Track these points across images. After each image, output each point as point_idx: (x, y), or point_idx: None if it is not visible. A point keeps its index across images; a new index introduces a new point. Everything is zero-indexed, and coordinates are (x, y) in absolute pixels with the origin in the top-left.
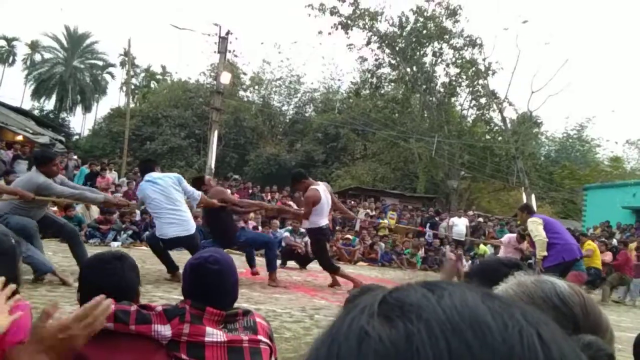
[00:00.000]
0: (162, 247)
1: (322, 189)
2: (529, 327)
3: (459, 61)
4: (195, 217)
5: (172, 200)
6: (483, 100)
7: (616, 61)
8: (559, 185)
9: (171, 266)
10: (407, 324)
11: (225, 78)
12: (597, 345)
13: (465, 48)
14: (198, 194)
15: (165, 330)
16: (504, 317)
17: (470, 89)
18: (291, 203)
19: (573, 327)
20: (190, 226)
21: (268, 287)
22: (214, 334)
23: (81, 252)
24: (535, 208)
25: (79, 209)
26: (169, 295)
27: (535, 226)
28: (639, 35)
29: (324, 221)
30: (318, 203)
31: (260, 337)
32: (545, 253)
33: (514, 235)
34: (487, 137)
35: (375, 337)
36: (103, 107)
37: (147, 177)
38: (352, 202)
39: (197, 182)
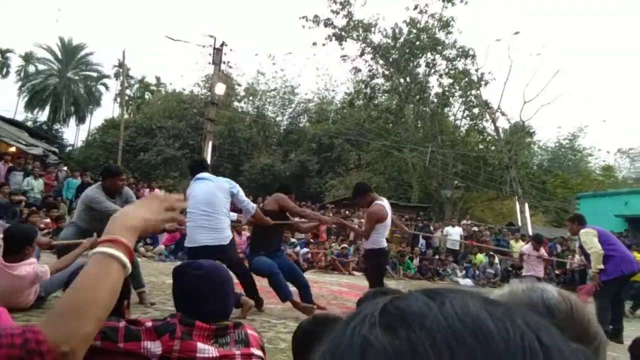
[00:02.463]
0: None
1: (386, 204)
2: (530, 332)
3: (452, 72)
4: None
5: (212, 203)
6: (476, 111)
7: (607, 71)
8: (551, 194)
9: None
10: (409, 333)
11: (220, 89)
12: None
13: (458, 59)
14: (253, 206)
15: (155, 347)
16: (505, 322)
17: (463, 99)
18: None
19: None
20: (224, 235)
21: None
22: (206, 350)
23: (135, 272)
24: (528, 217)
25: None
26: (163, 306)
27: (590, 237)
28: (629, 46)
29: (385, 241)
30: (383, 221)
31: (252, 349)
32: (602, 266)
33: (529, 244)
34: (481, 146)
35: (378, 347)
36: (97, 119)
37: (198, 175)
38: (347, 212)
39: (284, 190)
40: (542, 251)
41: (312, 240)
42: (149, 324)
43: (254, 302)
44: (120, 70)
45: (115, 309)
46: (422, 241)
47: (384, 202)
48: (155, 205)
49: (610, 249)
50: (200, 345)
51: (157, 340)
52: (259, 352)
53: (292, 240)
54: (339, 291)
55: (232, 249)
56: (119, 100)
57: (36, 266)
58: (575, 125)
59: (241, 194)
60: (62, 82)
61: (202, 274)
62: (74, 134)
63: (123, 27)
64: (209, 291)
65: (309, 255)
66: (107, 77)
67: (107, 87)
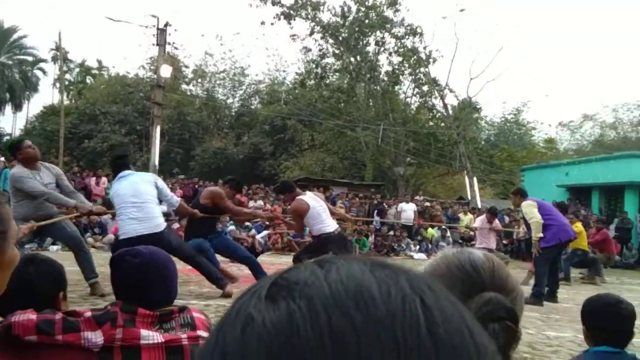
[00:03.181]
0: None
1: (308, 196)
2: (413, 294)
3: (401, 50)
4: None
5: (138, 194)
6: (425, 88)
7: (548, 47)
8: (498, 167)
9: None
10: (289, 303)
11: (166, 71)
12: (496, 300)
13: (407, 37)
14: (177, 200)
15: (96, 337)
16: (389, 285)
17: (413, 77)
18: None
19: (481, 288)
20: (155, 223)
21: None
22: (150, 336)
23: (87, 262)
24: (477, 190)
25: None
26: (113, 298)
27: (530, 209)
28: (568, 22)
29: (329, 227)
30: (305, 213)
31: (199, 332)
32: (541, 234)
33: (484, 216)
34: (431, 123)
35: (258, 321)
36: (35, 105)
37: (120, 174)
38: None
39: (230, 185)
40: (497, 222)
41: (267, 222)
42: (88, 314)
43: (217, 286)
44: (58, 53)
45: (51, 301)
46: (376, 218)
47: (306, 196)
48: None
49: (549, 218)
50: (144, 331)
51: (98, 330)
52: (206, 334)
53: (247, 224)
54: None
55: (167, 237)
56: (58, 85)
57: None
58: (519, 100)
59: (164, 187)
60: None
61: (141, 261)
62: (10, 122)
63: (58, 7)
64: (150, 278)
65: (268, 238)
66: (44, 61)
67: (44, 72)
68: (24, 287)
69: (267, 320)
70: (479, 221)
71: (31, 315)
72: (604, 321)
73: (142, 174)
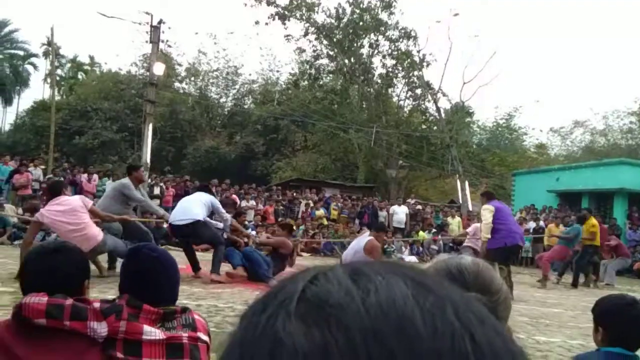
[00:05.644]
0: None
1: None
2: (462, 329)
3: (395, 53)
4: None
5: (188, 198)
6: (418, 91)
7: (540, 54)
8: (490, 171)
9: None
10: (324, 332)
11: (159, 69)
12: (474, 298)
13: (401, 40)
14: (228, 217)
15: (101, 327)
16: (434, 318)
17: (406, 80)
18: (235, 197)
19: (464, 289)
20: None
21: (210, 282)
22: (152, 332)
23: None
24: (468, 194)
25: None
26: (104, 295)
27: (486, 213)
28: (559, 29)
29: None
30: None
31: (199, 334)
32: (489, 235)
33: (479, 225)
34: (423, 126)
35: (289, 346)
36: (26, 100)
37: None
38: (294, 194)
39: None
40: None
41: (260, 223)
42: (97, 304)
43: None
44: (49, 48)
45: (77, 289)
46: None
47: None
48: None
49: (499, 222)
50: (146, 327)
51: (104, 321)
52: (205, 337)
53: (245, 223)
54: (287, 272)
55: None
56: (49, 80)
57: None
58: (511, 105)
59: (220, 208)
60: None
61: (158, 255)
62: (0, 117)
63: (51, 1)
64: (162, 273)
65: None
66: (35, 55)
67: (35, 67)
68: (54, 274)
69: (299, 348)
70: (473, 228)
71: (42, 299)
72: (621, 321)
73: (204, 195)
